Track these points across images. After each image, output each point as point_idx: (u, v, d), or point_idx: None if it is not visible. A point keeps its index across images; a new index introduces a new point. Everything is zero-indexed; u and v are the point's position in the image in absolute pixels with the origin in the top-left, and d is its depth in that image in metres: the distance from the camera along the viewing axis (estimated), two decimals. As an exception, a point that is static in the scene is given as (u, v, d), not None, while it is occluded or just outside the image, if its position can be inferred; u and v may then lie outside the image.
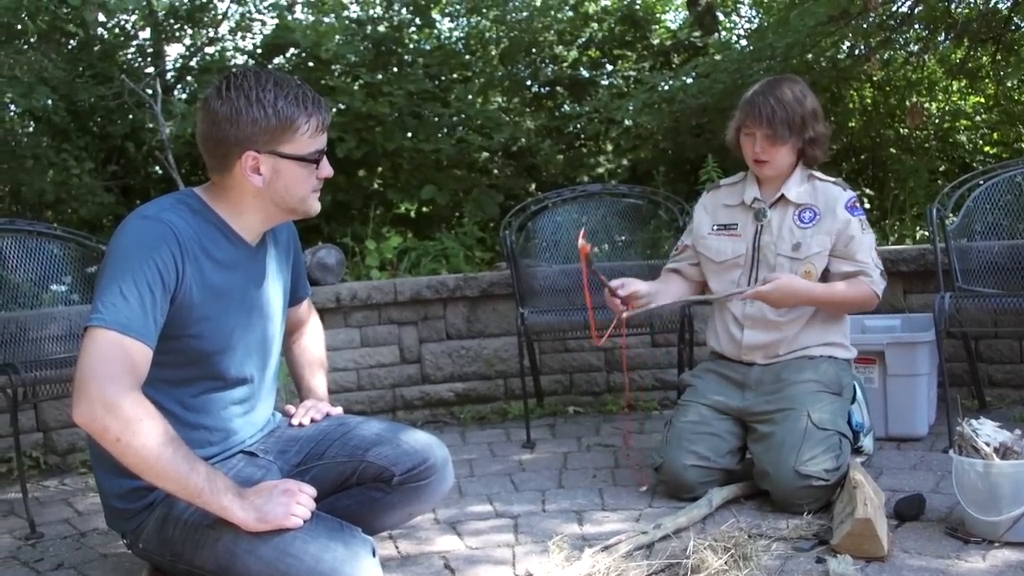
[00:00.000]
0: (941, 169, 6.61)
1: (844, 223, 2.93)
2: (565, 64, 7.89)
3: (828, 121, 3.18)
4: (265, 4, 7.73)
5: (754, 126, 2.92)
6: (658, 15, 8.60)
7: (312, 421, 2.38)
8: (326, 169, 2.15)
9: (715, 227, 3.09)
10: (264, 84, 2.05)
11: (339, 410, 2.44)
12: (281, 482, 2.04)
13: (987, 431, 2.47)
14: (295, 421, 2.38)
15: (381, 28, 7.50)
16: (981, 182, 3.70)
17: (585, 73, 7.98)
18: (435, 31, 8.16)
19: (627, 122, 6.86)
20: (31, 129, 6.68)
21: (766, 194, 3.02)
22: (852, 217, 2.94)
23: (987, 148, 6.94)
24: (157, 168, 7.06)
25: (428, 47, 7.77)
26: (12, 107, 6.19)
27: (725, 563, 2.29)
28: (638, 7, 8.30)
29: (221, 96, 2.04)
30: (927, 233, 3.56)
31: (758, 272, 2.96)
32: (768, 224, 2.94)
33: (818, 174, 3.02)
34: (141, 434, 1.85)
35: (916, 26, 6.17)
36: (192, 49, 7.72)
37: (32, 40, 6.54)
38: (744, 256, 2.99)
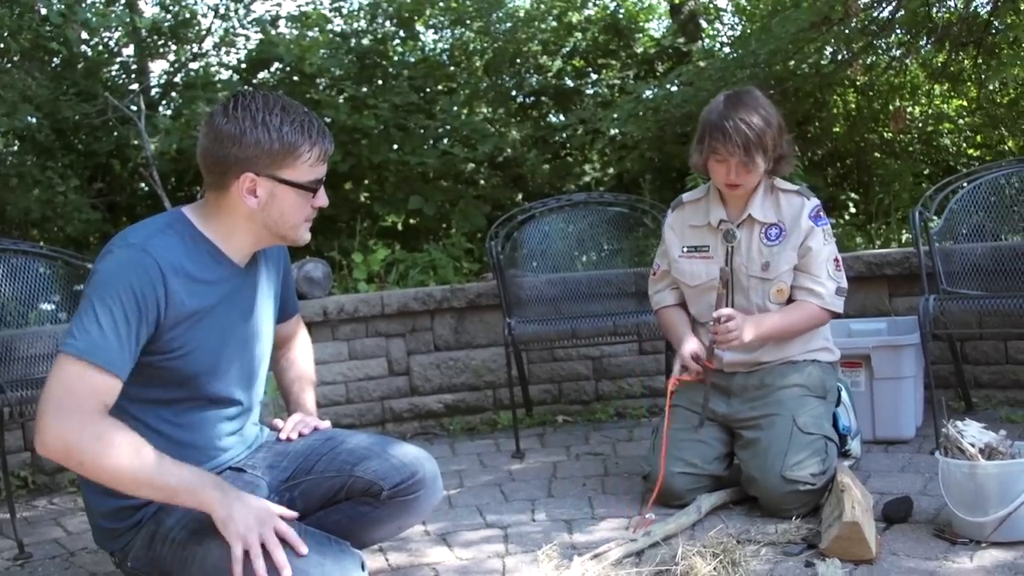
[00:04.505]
0: (925, 172, 6.65)
1: (806, 233, 2.90)
2: (550, 74, 7.90)
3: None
4: (249, 19, 7.73)
5: (728, 154, 2.82)
6: (641, 24, 8.62)
7: (300, 435, 2.37)
8: (322, 199, 2.15)
9: (685, 249, 3.04)
10: (271, 108, 2.05)
11: (327, 424, 2.43)
12: (264, 507, 2.01)
13: (972, 432, 2.48)
14: (283, 435, 2.37)
15: (365, 41, 7.51)
16: (964, 184, 3.72)
17: (570, 83, 7.99)
18: (419, 43, 8.17)
19: (613, 131, 6.87)
20: (15, 148, 6.66)
21: (732, 214, 2.97)
22: (815, 227, 2.90)
23: (970, 151, 6.98)
24: (143, 185, 7.04)
25: (412, 59, 7.78)
26: (-4, 126, 6.18)
27: (714, 569, 2.30)
28: (621, 16, 8.32)
29: (227, 114, 2.04)
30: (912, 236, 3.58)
31: (733, 295, 2.90)
32: (738, 245, 2.90)
33: (780, 183, 2.98)
34: (106, 456, 1.86)
35: (898, 31, 6.20)
36: (176, 65, 7.72)
37: (15, 59, 6.52)
38: (718, 278, 2.94)
